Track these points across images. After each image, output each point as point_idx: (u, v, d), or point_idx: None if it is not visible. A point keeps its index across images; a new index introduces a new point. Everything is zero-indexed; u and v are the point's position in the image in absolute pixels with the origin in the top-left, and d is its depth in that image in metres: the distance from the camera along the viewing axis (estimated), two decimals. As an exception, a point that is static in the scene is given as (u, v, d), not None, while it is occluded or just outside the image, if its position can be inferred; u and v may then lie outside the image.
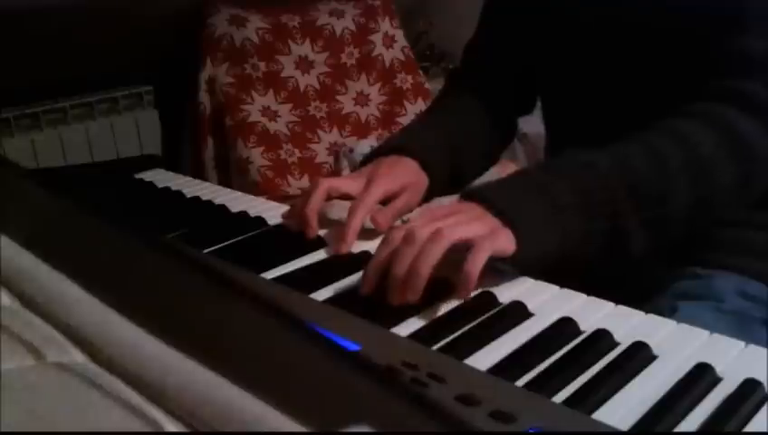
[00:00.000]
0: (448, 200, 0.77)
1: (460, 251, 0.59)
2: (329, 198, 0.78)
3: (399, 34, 2.22)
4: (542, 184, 0.64)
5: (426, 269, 0.57)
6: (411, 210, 0.83)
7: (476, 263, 0.57)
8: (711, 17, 0.72)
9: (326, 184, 0.77)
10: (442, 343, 0.54)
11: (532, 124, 1.04)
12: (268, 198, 0.94)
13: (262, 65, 2.02)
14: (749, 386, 0.47)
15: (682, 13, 0.74)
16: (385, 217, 0.76)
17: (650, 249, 0.66)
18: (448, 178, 0.88)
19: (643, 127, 0.70)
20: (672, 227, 0.68)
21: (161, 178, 1.02)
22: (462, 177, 0.91)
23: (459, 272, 0.58)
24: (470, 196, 0.65)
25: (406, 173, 0.81)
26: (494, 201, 0.62)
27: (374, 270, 0.61)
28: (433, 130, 0.90)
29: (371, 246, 0.72)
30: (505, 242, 0.60)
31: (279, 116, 2.03)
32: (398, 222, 0.79)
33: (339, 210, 0.80)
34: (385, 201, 0.79)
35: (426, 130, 0.91)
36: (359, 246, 0.73)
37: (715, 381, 0.49)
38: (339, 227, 0.75)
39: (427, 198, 0.85)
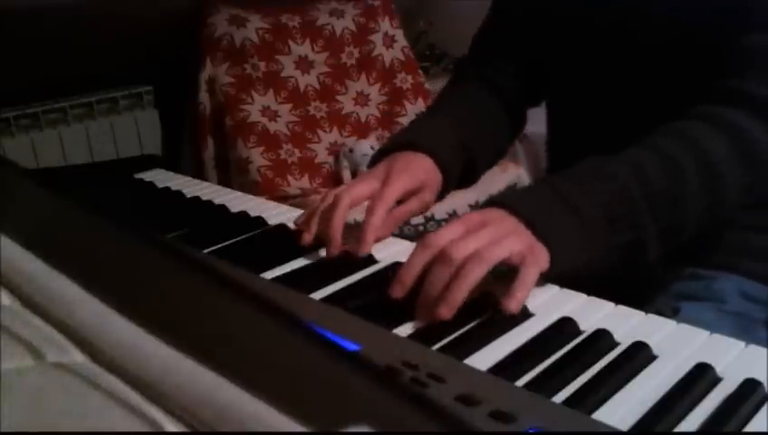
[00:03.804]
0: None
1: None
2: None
3: (399, 34, 2.22)
4: (568, 198, 0.63)
5: (464, 291, 0.56)
6: (426, 210, 0.80)
7: (528, 281, 0.57)
8: (716, 16, 0.72)
9: (347, 199, 0.72)
10: (442, 343, 0.54)
11: (533, 124, 1.04)
12: (268, 198, 0.94)
13: (262, 65, 2.02)
14: (749, 386, 0.47)
15: (687, 12, 0.74)
16: (381, 230, 0.73)
17: (662, 256, 0.66)
18: (461, 175, 0.86)
19: (648, 127, 0.70)
20: (684, 233, 0.67)
21: (161, 178, 1.02)
22: (474, 171, 0.89)
23: (509, 287, 0.57)
24: (499, 204, 0.63)
25: (422, 170, 0.78)
26: (526, 215, 0.61)
27: (409, 277, 0.59)
28: (445, 125, 0.87)
29: (373, 246, 0.72)
30: (544, 260, 0.59)
31: (279, 116, 2.03)
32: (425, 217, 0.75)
33: (352, 212, 0.75)
34: (402, 199, 0.76)
35: (438, 127, 0.87)
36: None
37: (715, 381, 0.49)
38: (354, 227, 0.72)
39: (440, 196, 0.83)
